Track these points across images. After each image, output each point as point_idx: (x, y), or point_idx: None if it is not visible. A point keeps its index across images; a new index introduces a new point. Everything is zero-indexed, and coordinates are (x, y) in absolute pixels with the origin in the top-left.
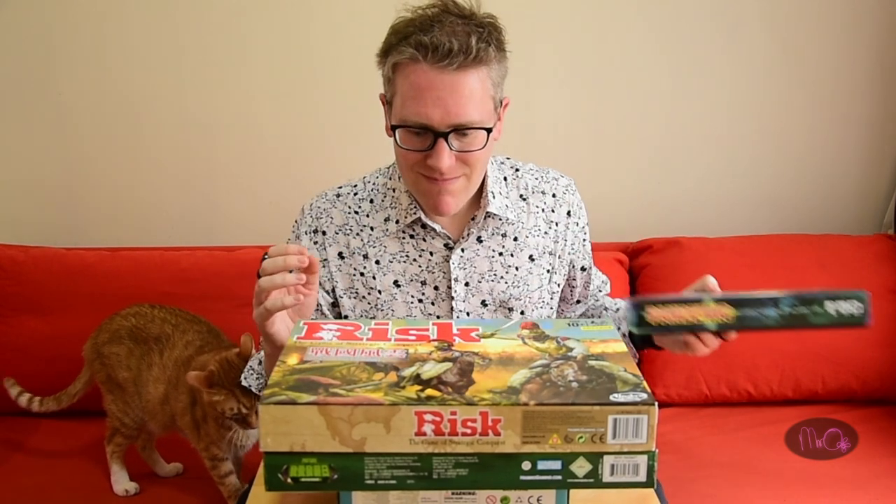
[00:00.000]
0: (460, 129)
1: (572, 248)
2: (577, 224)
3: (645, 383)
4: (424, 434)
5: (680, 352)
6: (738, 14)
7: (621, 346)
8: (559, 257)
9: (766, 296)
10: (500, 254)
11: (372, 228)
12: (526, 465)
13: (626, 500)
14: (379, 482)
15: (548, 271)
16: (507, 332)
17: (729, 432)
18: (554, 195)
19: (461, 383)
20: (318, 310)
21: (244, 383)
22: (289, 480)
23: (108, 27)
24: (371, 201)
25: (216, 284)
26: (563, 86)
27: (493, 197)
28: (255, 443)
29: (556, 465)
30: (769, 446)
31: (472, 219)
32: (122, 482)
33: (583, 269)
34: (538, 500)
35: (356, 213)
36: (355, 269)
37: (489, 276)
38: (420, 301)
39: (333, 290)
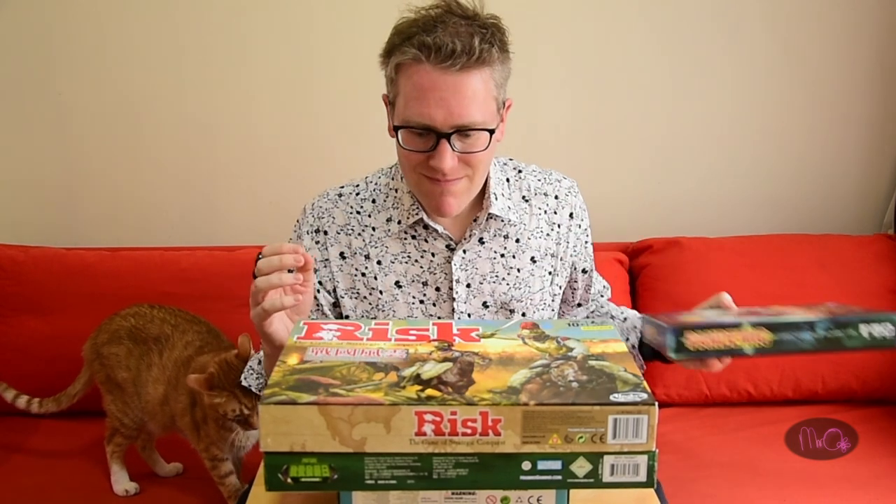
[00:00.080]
0: (463, 130)
1: (574, 251)
2: (580, 226)
3: (645, 383)
4: (424, 434)
5: (693, 367)
6: (739, 14)
7: (621, 346)
8: (561, 259)
9: (803, 319)
10: (502, 255)
11: (374, 229)
12: (526, 465)
13: (626, 500)
14: (379, 482)
15: (549, 273)
16: (508, 333)
17: (729, 432)
18: (556, 197)
19: (461, 383)
20: (318, 309)
21: (244, 383)
22: (289, 480)
23: (108, 27)
24: (373, 201)
25: (216, 284)
26: (565, 86)
27: (496, 198)
28: (255, 443)
29: (557, 465)
30: (769, 446)
31: (475, 220)
32: (122, 482)
33: (584, 271)
34: (538, 500)
35: (358, 213)
36: (357, 269)
37: (491, 277)
38: (421, 302)
39: (335, 290)
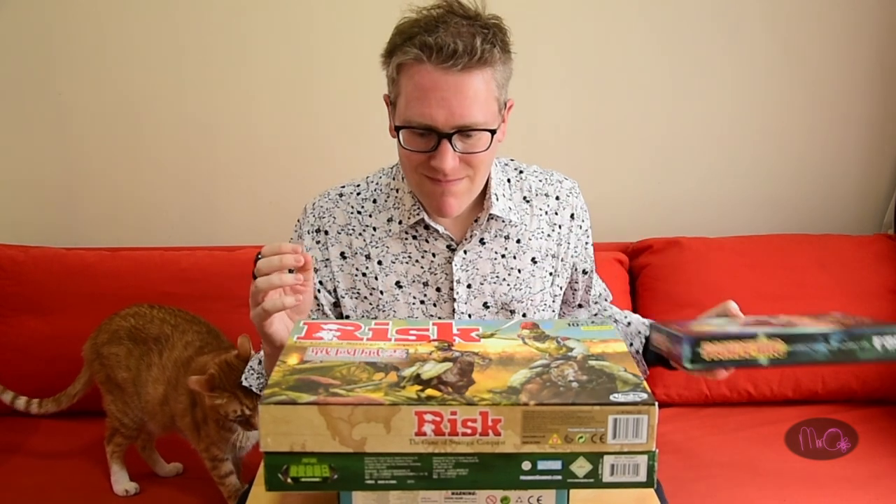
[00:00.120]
0: (464, 131)
1: (575, 252)
2: (581, 227)
3: (645, 383)
4: (424, 434)
5: (699, 375)
6: (739, 14)
7: (621, 347)
8: (562, 260)
9: (817, 331)
10: (503, 256)
11: (374, 229)
12: (526, 465)
13: (626, 500)
14: (379, 482)
15: (550, 274)
16: (508, 332)
17: (729, 432)
18: (557, 198)
19: (461, 383)
20: (319, 309)
21: (245, 383)
22: (289, 480)
23: (108, 27)
24: (374, 201)
25: (216, 284)
26: (565, 86)
27: (497, 199)
28: (256, 443)
29: (556, 465)
30: (769, 446)
31: (476, 220)
32: (122, 482)
33: (584, 272)
34: (538, 500)
35: (359, 213)
36: (357, 269)
37: (491, 278)
38: (422, 302)
39: (335, 290)
